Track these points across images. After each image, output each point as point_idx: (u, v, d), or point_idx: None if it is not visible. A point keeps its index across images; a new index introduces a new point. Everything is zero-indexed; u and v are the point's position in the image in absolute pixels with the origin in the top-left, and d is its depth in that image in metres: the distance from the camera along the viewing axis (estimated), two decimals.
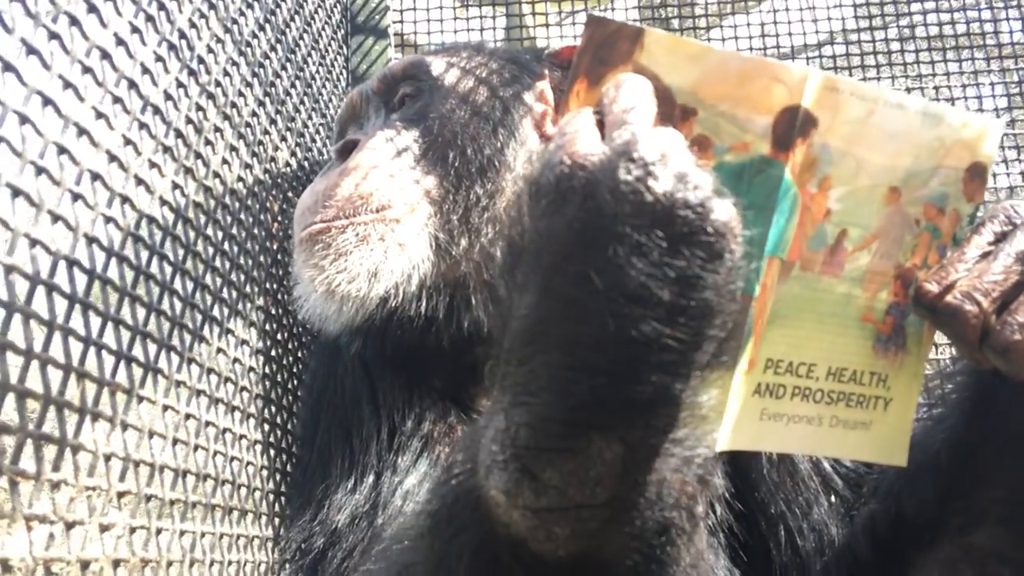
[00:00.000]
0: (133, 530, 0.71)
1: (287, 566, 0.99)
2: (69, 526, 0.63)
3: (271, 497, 1.03)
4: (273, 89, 1.19)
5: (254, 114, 1.10)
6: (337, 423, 1.05)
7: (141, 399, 0.75)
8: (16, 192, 0.61)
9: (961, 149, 0.73)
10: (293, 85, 1.29)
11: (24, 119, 0.62)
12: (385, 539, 0.88)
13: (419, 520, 0.70)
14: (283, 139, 1.22)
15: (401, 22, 1.88)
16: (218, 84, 0.99)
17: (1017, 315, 0.70)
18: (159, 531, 0.75)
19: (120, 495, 0.70)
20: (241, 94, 1.06)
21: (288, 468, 1.09)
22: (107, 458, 0.68)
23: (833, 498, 1.12)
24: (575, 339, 0.51)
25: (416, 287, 1.00)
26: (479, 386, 1.05)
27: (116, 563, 0.67)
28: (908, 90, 1.88)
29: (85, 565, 0.64)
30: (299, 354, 1.20)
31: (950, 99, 1.86)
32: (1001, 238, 0.74)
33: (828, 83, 0.66)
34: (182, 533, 0.79)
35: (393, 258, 0.99)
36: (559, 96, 1.14)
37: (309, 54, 1.42)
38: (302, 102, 1.34)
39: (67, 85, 0.68)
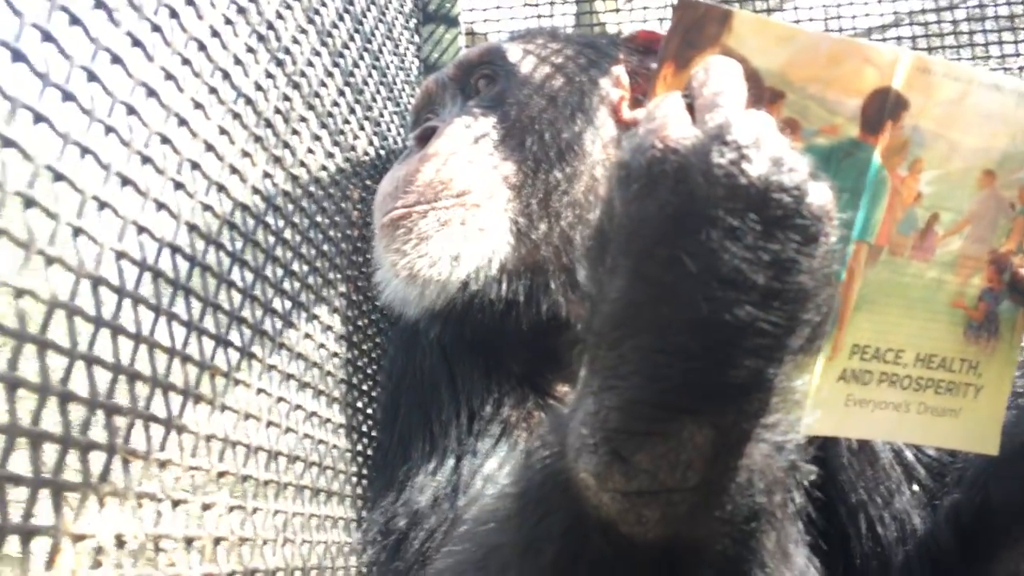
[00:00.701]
0: (231, 509, 0.73)
1: (369, 548, 1.01)
2: (175, 504, 0.65)
3: (354, 480, 1.05)
4: (352, 79, 1.21)
5: (335, 103, 1.12)
6: (416, 407, 1.06)
7: (237, 382, 0.77)
8: (125, 181, 0.63)
9: None
10: (369, 75, 1.31)
11: (131, 110, 0.64)
12: (468, 521, 0.89)
13: (505, 502, 0.71)
14: (361, 128, 1.24)
15: (472, 10, 1.89)
16: (303, 74, 1.00)
17: None
18: (255, 510, 0.77)
19: (220, 475, 0.72)
20: (323, 84, 1.08)
21: (369, 452, 1.11)
22: (208, 439, 0.70)
23: (916, 487, 1.10)
24: (667, 323, 0.51)
25: (496, 271, 1.01)
26: (558, 371, 1.06)
27: (217, 541, 0.69)
28: None
29: (189, 542, 0.66)
30: (377, 340, 1.22)
31: None
32: None
33: (920, 64, 0.65)
34: (275, 513, 0.81)
35: (474, 242, 1.00)
36: (635, 81, 1.13)
37: (383, 44, 1.43)
38: (378, 91, 1.35)
39: (168, 76, 0.70)
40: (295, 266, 0.93)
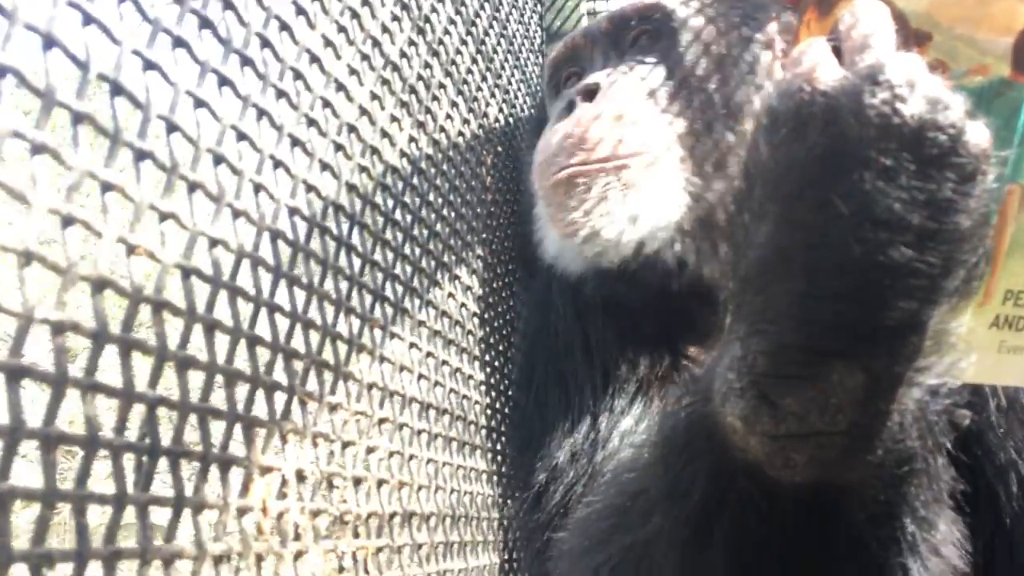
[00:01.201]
0: (391, 454, 0.77)
1: (510, 501, 1.05)
2: (344, 445, 0.69)
3: (494, 435, 1.09)
4: (483, 47, 1.23)
5: (469, 71, 1.15)
6: (552, 366, 1.08)
7: (393, 336, 0.81)
8: (295, 142, 0.67)
9: None
10: (498, 43, 1.33)
11: (298, 74, 0.68)
12: (608, 472, 0.91)
13: (646, 450, 0.72)
14: (492, 95, 1.26)
15: None
16: (440, 43, 1.03)
17: None
18: (411, 457, 0.81)
19: (380, 421, 0.76)
20: (458, 52, 1.11)
21: (507, 409, 1.14)
22: (369, 387, 0.74)
23: None
24: (817, 266, 0.51)
25: (672, 232, 1.01)
26: (693, 334, 1.06)
27: (380, 483, 0.74)
28: None
29: (357, 482, 0.70)
30: (511, 303, 1.25)
31: None
32: None
33: None
34: (428, 461, 0.85)
35: (651, 203, 1.00)
36: (787, 38, 1.12)
37: (510, 13, 1.45)
38: (506, 59, 1.38)
39: (327, 43, 0.74)
40: (438, 227, 0.97)
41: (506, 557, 1.09)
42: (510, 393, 1.16)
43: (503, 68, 1.35)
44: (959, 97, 0.51)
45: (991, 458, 1.04)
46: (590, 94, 1.08)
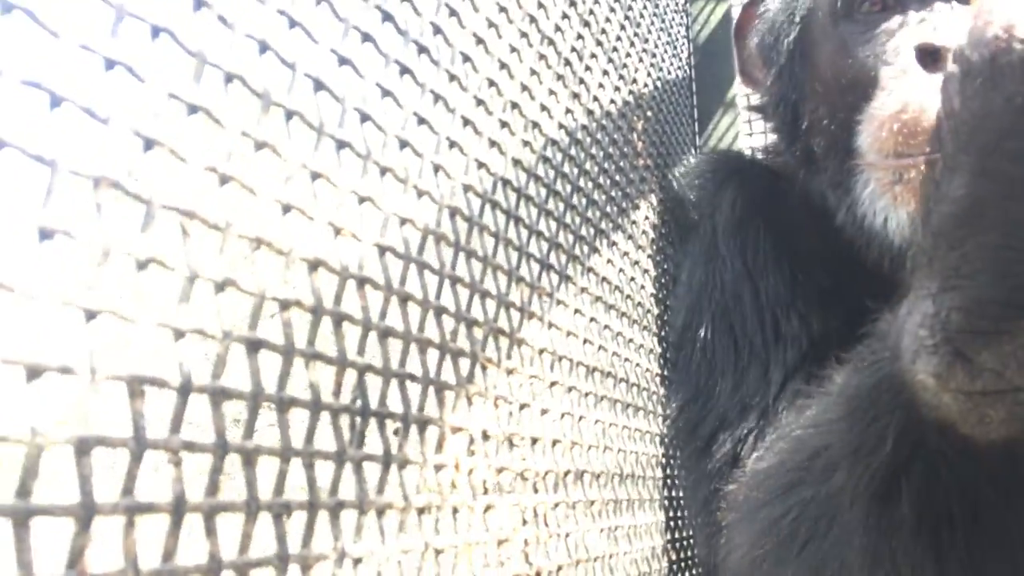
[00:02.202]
0: (563, 415, 0.80)
1: (677, 453, 1.07)
2: (521, 407, 0.73)
3: (654, 397, 1.11)
4: (630, 12, 1.24)
5: (618, 38, 1.16)
6: (721, 319, 1.09)
7: (559, 302, 0.84)
8: (466, 122, 0.71)
9: None
10: (644, 7, 1.33)
11: (466, 57, 0.72)
12: (785, 426, 0.91)
13: (829, 406, 0.73)
14: (640, 61, 1.27)
15: None
16: (591, 12, 1.05)
17: None
18: (580, 418, 0.84)
19: (552, 384, 0.79)
20: (607, 20, 1.12)
21: (665, 371, 1.16)
22: (540, 352, 0.78)
23: None
24: (1016, 219, 0.49)
25: None
26: (872, 287, 1.05)
27: (554, 442, 0.77)
28: None
29: (534, 441, 0.74)
30: (665, 266, 1.26)
31: None
32: None
33: None
34: (596, 422, 0.88)
35: None
36: None
37: None
38: (652, 22, 1.38)
39: (490, 24, 0.77)
40: (595, 195, 0.99)
41: (671, 515, 1.12)
42: (668, 355, 1.18)
43: (649, 32, 1.36)
44: None
45: None
46: (934, 56, 0.95)
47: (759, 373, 1.04)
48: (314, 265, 0.50)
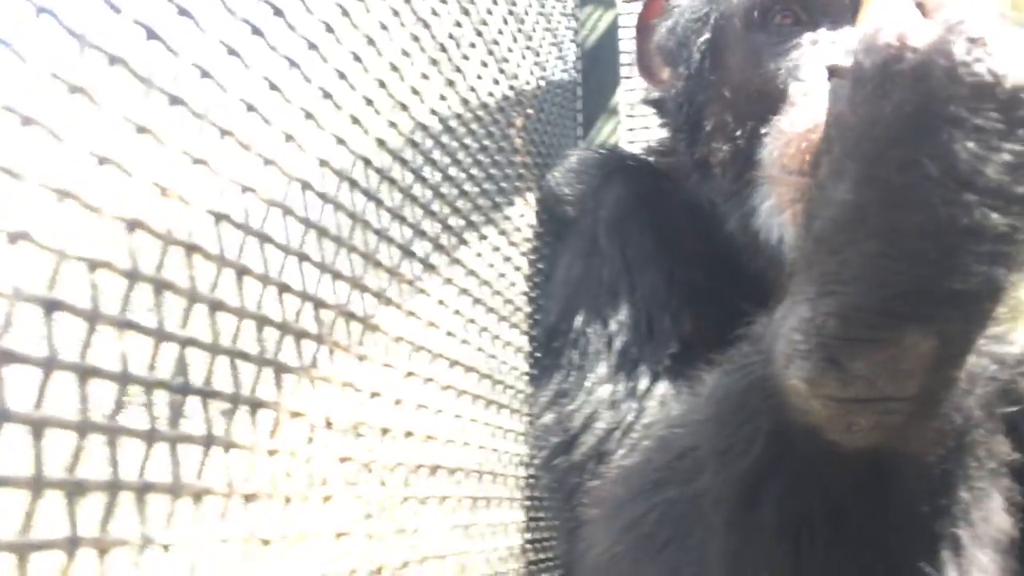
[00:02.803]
0: (418, 407, 0.78)
1: (541, 448, 1.05)
2: (372, 396, 0.70)
3: (521, 396, 1.09)
4: (514, 7, 1.23)
5: (500, 32, 1.14)
6: (596, 314, 1.08)
7: (421, 291, 0.81)
8: (325, 95, 0.68)
9: None
10: (530, 5, 1.32)
11: (329, 28, 0.69)
12: (654, 424, 0.91)
13: (699, 407, 0.72)
14: (523, 57, 1.26)
15: None
16: (471, 1, 1.03)
17: None
18: (438, 411, 0.82)
19: (408, 375, 0.77)
20: (489, 11, 1.10)
21: (534, 370, 1.15)
22: (397, 340, 0.75)
23: None
24: (897, 227, 0.49)
25: None
26: (750, 290, 1.05)
27: (407, 434, 0.75)
28: None
29: (384, 432, 0.71)
30: (540, 265, 1.25)
31: None
32: None
33: None
34: (456, 416, 0.86)
35: None
36: None
37: None
38: (537, 23, 1.37)
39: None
40: (466, 187, 0.97)
41: (532, 515, 1.10)
42: (537, 353, 1.17)
43: (534, 30, 1.35)
44: None
45: None
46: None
47: (631, 370, 1.03)
48: (132, 225, 0.46)
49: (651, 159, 1.31)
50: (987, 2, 0.52)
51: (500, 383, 1.03)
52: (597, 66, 1.68)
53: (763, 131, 1.01)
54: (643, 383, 1.01)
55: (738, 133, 1.06)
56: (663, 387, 1.01)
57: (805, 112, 0.96)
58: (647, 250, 1.09)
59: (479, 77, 1.04)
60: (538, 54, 1.36)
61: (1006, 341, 0.54)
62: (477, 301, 0.97)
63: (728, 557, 0.65)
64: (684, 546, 0.71)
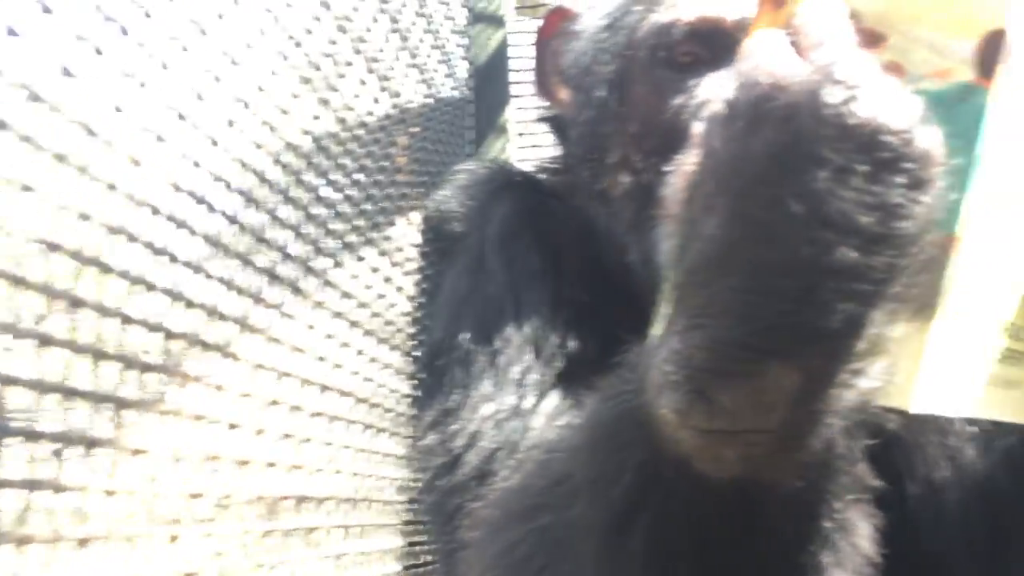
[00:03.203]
0: (285, 436, 0.75)
1: (422, 471, 1.03)
2: (232, 427, 0.67)
3: (401, 417, 1.08)
4: (397, 24, 1.21)
5: (381, 50, 1.13)
6: (480, 333, 1.07)
7: (287, 316, 0.79)
8: (180, 116, 0.65)
9: None
10: (414, 22, 1.31)
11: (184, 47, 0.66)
12: (532, 449, 0.90)
13: (575, 434, 0.72)
14: (406, 76, 1.25)
15: None
16: (348, 18, 1.01)
17: None
18: (306, 439, 0.80)
19: (272, 403, 0.74)
20: (369, 29, 1.09)
21: (415, 391, 1.13)
22: (258, 368, 0.73)
23: (973, 429, 1.09)
24: (763, 263, 0.50)
25: None
26: (632, 319, 1.06)
27: (269, 465, 0.72)
28: None
29: (243, 464, 0.69)
30: (424, 285, 1.23)
31: None
32: None
33: None
34: (326, 444, 0.84)
35: None
36: None
37: None
38: (423, 39, 1.36)
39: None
40: (342, 207, 0.95)
41: (411, 541, 1.09)
42: (420, 374, 1.15)
43: (419, 47, 1.33)
44: (914, 102, 0.51)
45: (899, 440, 1.06)
46: None
47: (516, 388, 1.03)
48: None
49: (542, 176, 1.30)
50: (848, 37, 0.53)
51: (379, 406, 1.01)
52: (488, 83, 1.68)
53: (667, 168, 1.01)
54: (528, 401, 1.00)
55: (642, 168, 1.06)
56: (549, 405, 1.00)
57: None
58: (534, 268, 1.09)
59: (356, 96, 1.02)
60: (424, 71, 1.35)
61: (868, 375, 0.56)
62: (354, 324, 0.95)
63: None
64: (557, 574, 0.71)
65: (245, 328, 0.71)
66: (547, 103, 1.32)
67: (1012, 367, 0.64)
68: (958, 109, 0.60)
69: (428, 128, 1.34)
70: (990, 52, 0.59)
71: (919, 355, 0.60)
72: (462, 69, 1.64)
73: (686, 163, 1.05)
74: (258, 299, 0.74)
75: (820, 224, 0.49)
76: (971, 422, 1.09)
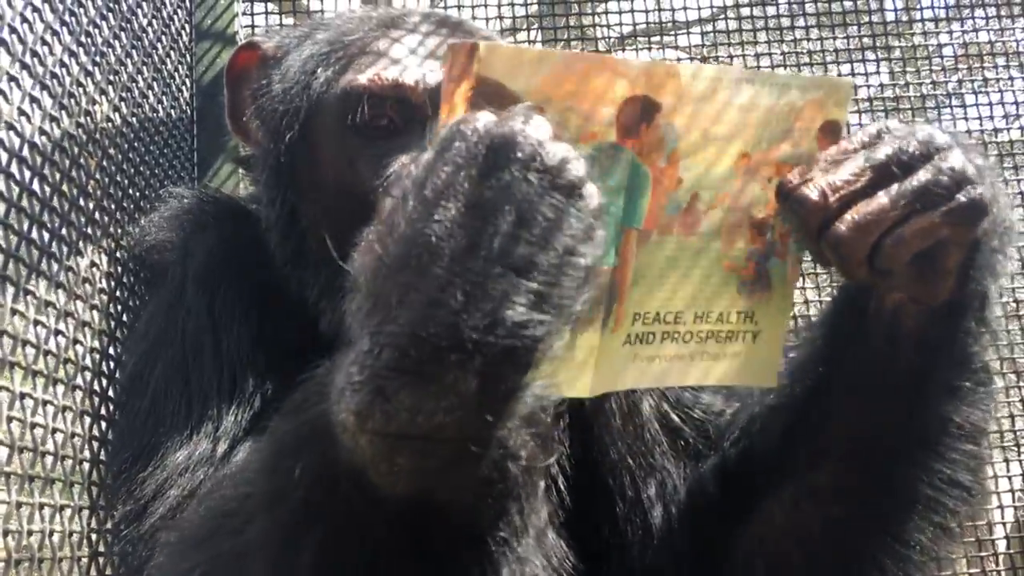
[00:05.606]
0: None
1: (114, 515, 0.96)
2: None
3: (86, 466, 0.99)
4: (91, 38, 1.12)
5: (63, 63, 1.03)
6: (176, 371, 1.01)
7: None
8: None
9: (813, 110, 0.80)
10: (115, 35, 1.22)
11: None
12: (224, 478, 0.87)
13: (257, 453, 0.71)
14: (102, 92, 1.16)
15: None
16: (24, 20, 0.92)
17: (854, 213, 0.76)
18: None
19: None
20: (46, 42, 1.00)
21: (107, 435, 1.05)
22: None
23: (681, 443, 1.14)
24: (443, 280, 0.55)
25: None
26: (325, 342, 1.02)
27: None
28: (798, 67, 1.94)
29: None
30: (123, 319, 1.15)
31: (837, 74, 1.92)
32: (865, 147, 0.79)
33: (669, 70, 0.73)
34: None
35: None
36: None
37: (139, 3, 1.34)
38: (128, 55, 1.27)
39: None
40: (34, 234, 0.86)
41: None
42: (113, 415, 1.07)
43: (123, 63, 1.25)
44: (580, 159, 0.60)
45: (605, 457, 1.09)
46: None
47: (211, 430, 0.97)
48: None
49: (254, 207, 1.24)
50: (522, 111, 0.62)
51: (53, 455, 0.92)
52: (214, 104, 1.60)
53: (356, 238, 0.99)
54: (222, 447, 0.95)
55: (331, 236, 1.01)
56: (244, 450, 0.95)
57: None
58: (236, 305, 1.04)
59: (23, 113, 0.93)
60: (129, 88, 1.26)
61: (544, 390, 0.59)
62: (16, 366, 0.86)
63: None
64: None
65: None
66: (242, 142, 1.24)
67: (644, 345, 0.78)
68: (608, 164, 0.71)
69: (132, 150, 1.25)
70: (628, 115, 0.71)
71: (587, 353, 0.72)
72: (185, 87, 1.56)
73: (373, 235, 1.05)
74: None
75: (488, 250, 0.55)
76: (676, 438, 1.15)
